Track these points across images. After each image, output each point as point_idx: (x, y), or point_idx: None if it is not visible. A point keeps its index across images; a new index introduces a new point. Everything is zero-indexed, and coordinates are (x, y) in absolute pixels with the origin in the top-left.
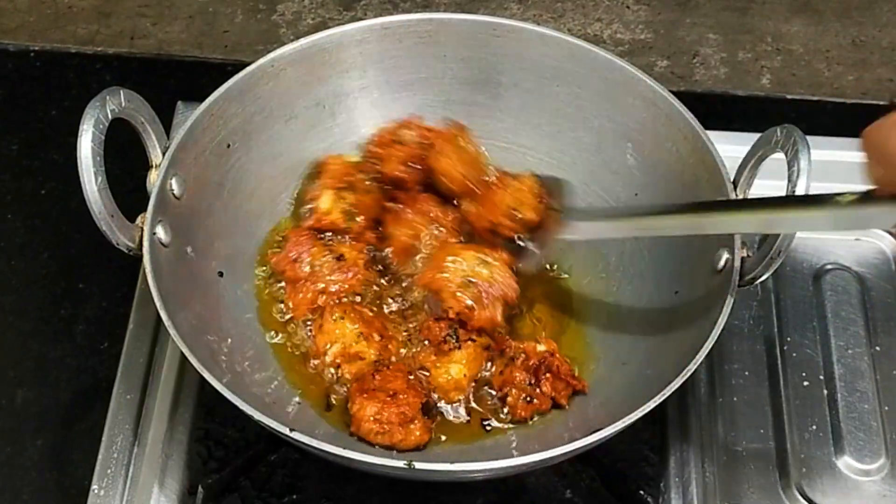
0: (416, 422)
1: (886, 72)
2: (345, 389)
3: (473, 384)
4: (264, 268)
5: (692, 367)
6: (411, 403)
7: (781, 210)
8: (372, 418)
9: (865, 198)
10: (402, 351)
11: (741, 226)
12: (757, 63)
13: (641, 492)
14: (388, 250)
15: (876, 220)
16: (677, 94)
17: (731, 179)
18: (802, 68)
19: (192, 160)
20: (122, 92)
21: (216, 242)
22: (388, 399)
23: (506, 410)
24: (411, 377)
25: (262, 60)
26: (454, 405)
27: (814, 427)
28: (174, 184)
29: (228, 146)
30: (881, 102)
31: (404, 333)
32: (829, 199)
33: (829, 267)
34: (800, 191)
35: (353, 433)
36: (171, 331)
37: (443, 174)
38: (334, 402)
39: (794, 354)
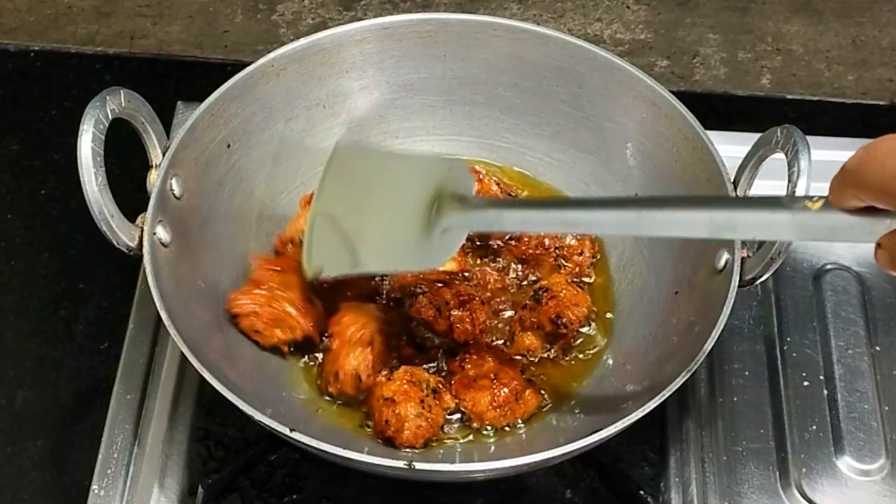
0: (527, 391)
1: (886, 72)
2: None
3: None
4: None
5: (692, 367)
6: (513, 376)
7: (737, 210)
8: (490, 407)
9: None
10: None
11: (688, 227)
12: (757, 63)
13: (641, 492)
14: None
15: (846, 232)
16: (677, 94)
17: (731, 179)
18: (802, 68)
19: (192, 160)
20: (122, 92)
21: (216, 242)
22: (494, 382)
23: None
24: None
25: (262, 60)
26: None
27: (814, 427)
28: (174, 184)
29: (228, 146)
30: (881, 102)
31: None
32: (794, 201)
33: (829, 267)
34: (800, 191)
35: (476, 426)
36: (171, 331)
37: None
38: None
39: (794, 354)
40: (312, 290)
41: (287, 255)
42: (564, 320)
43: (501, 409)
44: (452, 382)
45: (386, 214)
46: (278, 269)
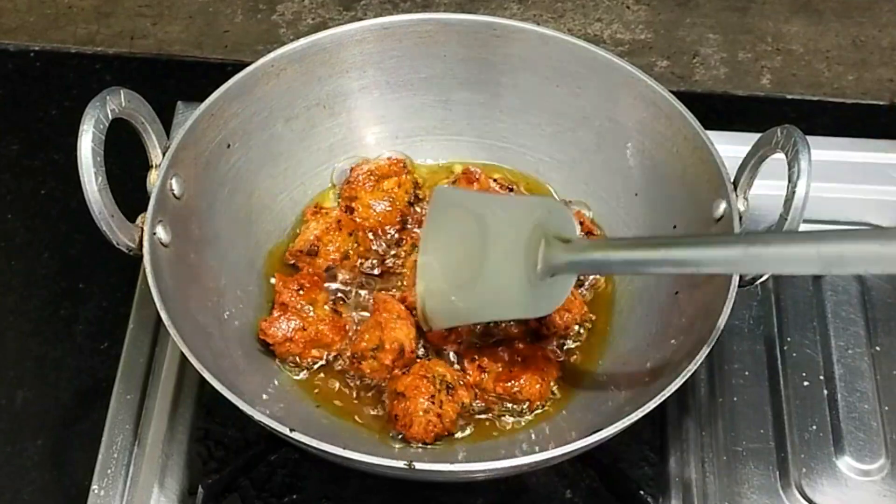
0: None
1: (886, 72)
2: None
3: None
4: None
5: (692, 367)
6: (531, 348)
7: (849, 243)
8: (541, 382)
9: None
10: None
11: (798, 264)
12: (757, 63)
13: (641, 492)
14: None
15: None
16: (677, 94)
17: (731, 179)
18: (802, 68)
19: (192, 160)
20: (122, 92)
21: (216, 242)
22: (528, 362)
23: None
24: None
25: (262, 60)
26: None
27: (814, 427)
28: (174, 184)
29: (228, 146)
30: (881, 102)
31: None
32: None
33: None
34: (800, 191)
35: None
36: (171, 331)
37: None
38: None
39: (794, 354)
40: (336, 299)
41: (306, 271)
42: (548, 321)
43: (545, 382)
44: (486, 388)
45: (492, 262)
46: (304, 287)
